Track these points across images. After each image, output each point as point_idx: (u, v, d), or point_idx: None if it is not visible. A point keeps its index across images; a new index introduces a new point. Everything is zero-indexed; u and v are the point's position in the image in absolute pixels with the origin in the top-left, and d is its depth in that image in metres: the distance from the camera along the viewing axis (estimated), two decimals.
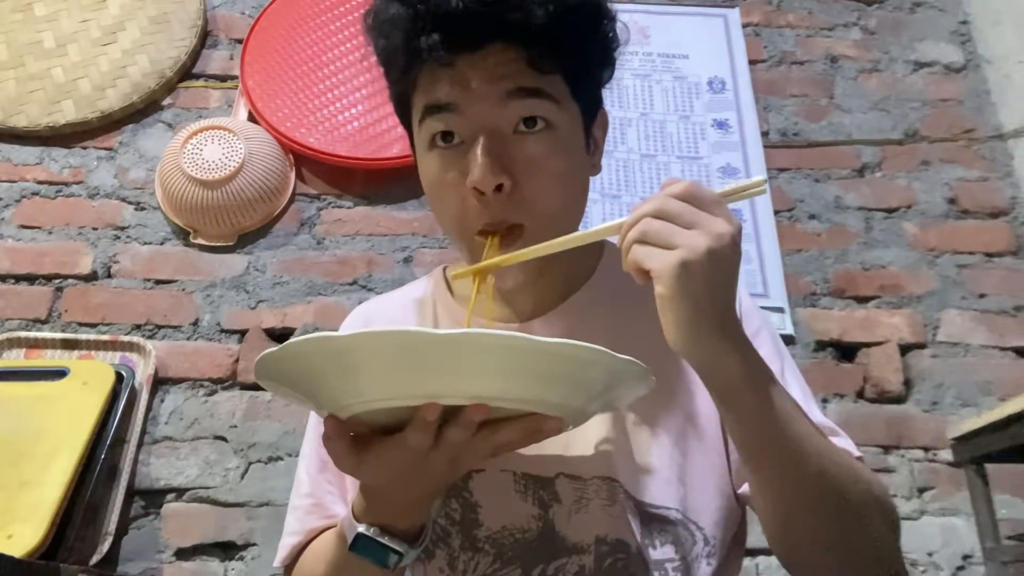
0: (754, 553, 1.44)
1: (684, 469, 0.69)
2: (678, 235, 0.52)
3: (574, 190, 0.71)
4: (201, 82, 1.89)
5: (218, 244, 1.70)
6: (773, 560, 1.44)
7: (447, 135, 0.67)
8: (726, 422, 0.59)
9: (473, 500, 0.68)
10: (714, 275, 0.52)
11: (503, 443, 0.54)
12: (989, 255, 1.76)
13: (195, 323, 1.63)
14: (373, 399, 0.51)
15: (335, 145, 1.76)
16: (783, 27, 2.02)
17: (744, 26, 2.00)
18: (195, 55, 1.89)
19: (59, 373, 1.48)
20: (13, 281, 1.66)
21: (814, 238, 1.77)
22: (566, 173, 0.68)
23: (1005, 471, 1.49)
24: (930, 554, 1.49)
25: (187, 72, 1.88)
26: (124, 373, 1.51)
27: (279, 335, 1.63)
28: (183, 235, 1.71)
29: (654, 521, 0.67)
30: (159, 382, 1.57)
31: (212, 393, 1.58)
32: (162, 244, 1.71)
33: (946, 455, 1.56)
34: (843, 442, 0.68)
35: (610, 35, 0.71)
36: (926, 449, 1.57)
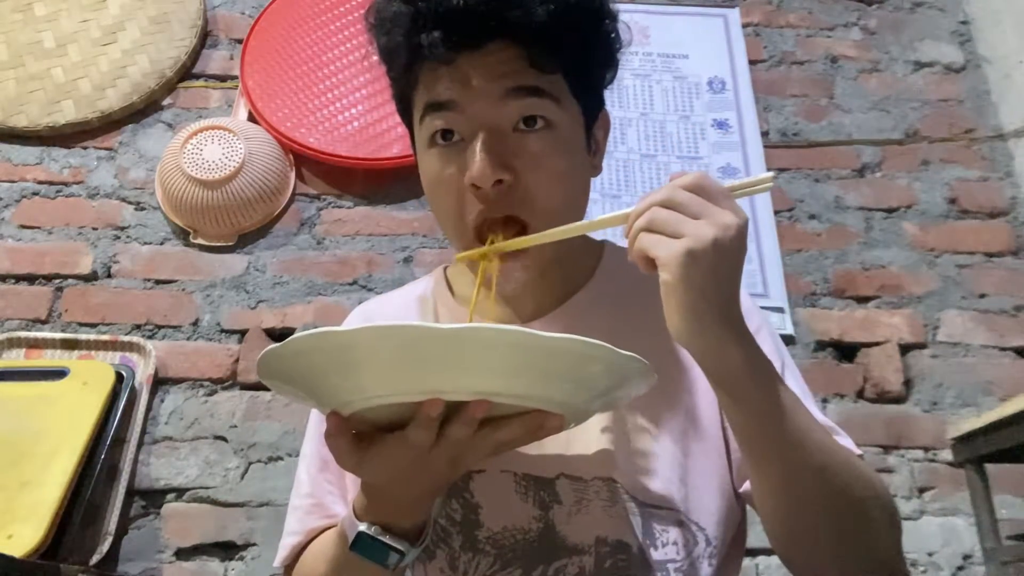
0: (754, 553, 1.44)
1: (685, 469, 0.69)
2: (685, 224, 0.52)
3: (574, 189, 0.71)
4: (201, 82, 1.89)
5: (218, 244, 1.70)
6: (773, 560, 1.44)
7: (447, 133, 0.67)
8: (727, 413, 0.59)
9: (474, 501, 0.68)
10: (719, 265, 0.52)
11: (505, 440, 0.54)
12: (989, 255, 1.76)
13: (195, 323, 1.63)
14: (375, 395, 0.51)
15: (335, 145, 1.76)
16: (783, 27, 2.02)
17: (744, 26, 2.00)
18: (195, 55, 1.89)
19: (59, 373, 1.48)
20: (13, 281, 1.66)
21: (814, 238, 1.77)
22: (566, 172, 0.68)
23: (1005, 471, 1.49)
24: (930, 554, 1.49)
25: (187, 72, 1.88)
26: (124, 373, 1.51)
27: (279, 335, 1.63)
28: (183, 235, 1.71)
29: (656, 522, 0.67)
30: (159, 382, 1.57)
31: (212, 393, 1.58)
32: (162, 244, 1.71)
33: (946, 455, 1.56)
34: (843, 441, 0.67)
35: (612, 35, 0.71)
36: (926, 449, 1.57)
